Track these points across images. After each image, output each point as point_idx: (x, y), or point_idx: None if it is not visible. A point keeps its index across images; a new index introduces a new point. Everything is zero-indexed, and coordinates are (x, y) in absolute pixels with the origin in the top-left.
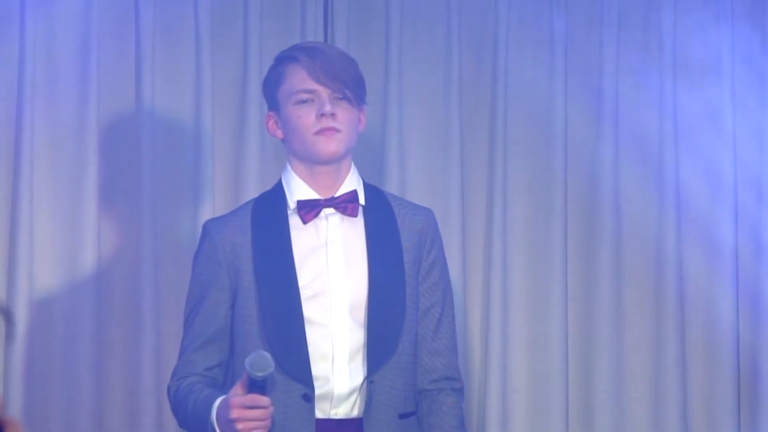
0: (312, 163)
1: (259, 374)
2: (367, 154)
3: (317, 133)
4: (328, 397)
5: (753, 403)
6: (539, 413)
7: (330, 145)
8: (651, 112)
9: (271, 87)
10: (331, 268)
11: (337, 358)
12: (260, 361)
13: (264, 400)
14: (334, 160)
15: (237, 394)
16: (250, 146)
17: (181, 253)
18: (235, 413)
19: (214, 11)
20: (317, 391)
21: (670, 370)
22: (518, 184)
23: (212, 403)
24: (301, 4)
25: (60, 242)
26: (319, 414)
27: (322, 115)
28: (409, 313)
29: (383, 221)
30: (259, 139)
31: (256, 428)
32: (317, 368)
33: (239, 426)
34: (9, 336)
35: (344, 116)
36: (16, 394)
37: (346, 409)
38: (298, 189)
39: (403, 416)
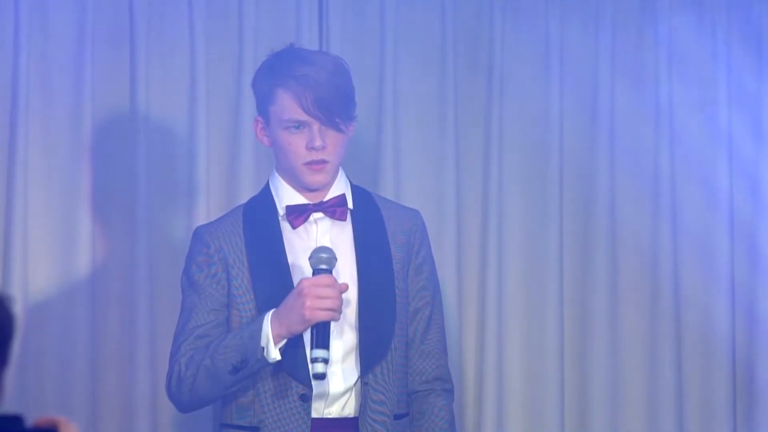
0: (299, 186)
1: (323, 267)
2: (362, 156)
3: (306, 164)
4: (323, 396)
5: (749, 404)
6: (535, 414)
7: (317, 178)
8: (647, 114)
9: (262, 97)
10: None
11: (330, 359)
12: (322, 253)
13: (334, 280)
14: (321, 189)
15: None
16: (244, 150)
17: (176, 257)
18: (306, 286)
19: (209, 15)
20: (313, 391)
21: (665, 371)
22: (513, 187)
23: (262, 317)
24: (296, 7)
25: (54, 245)
26: (313, 413)
27: (312, 148)
28: (399, 314)
29: (371, 224)
30: (254, 144)
31: (324, 306)
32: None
33: (308, 300)
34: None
35: (333, 144)
36: (10, 397)
37: (338, 408)
38: (287, 195)
39: (397, 417)
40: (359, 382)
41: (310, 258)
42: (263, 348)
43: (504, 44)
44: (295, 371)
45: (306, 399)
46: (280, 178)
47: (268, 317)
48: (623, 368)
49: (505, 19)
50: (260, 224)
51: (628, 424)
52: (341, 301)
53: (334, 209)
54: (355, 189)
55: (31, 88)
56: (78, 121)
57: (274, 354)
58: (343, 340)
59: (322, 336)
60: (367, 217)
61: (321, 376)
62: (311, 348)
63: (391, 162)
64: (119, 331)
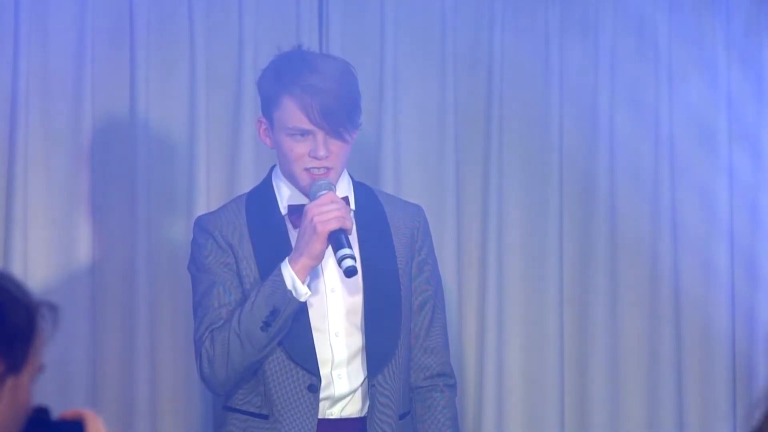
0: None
1: (323, 192)
2: (362, 156)
3: (307, 170)
4: (329, 398)
5: (749, 404)
6: (535, 414)
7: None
8: (646, 116)
9: (267, 100)
10: (325, 273)
11: (336, 362)
12: (321, 182)
13: (334, 196)
14: None
15: None
16: (244, 151)
17: (175, 257)
18: (309, 208)
19: (209, 15)
20: (321, 382)
21: (665, 371)
22: (514, 186)
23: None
24: (296, 7)
25: (54, 246)
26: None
27: (316, 157)
28: (404, 313)
29: (375, 222)
30: (254, 144)
31: (331, 216)
32: None
33: (315, 216)
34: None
35: (337, 152)
36: None
37: (340, 409)
38: (290, 193)
39: (401, 416)
40: (365, 382)
41: (310, 193)
42: (291, 291)
43: (504, 44)
44: (303, 361)
45: (314, 389)
46: (282, 177)
47: (284, 262)
48: (623, 368)
49: (505, 18)
50: (264, 219)
51: (628, 424)
52: (348, 211)
53: None
54: (357, 186)
55: (31, 88)
56: (78, 122)
57: (303, 290)
58: (349, 342)
59: (339, 240)
60: (371, 215)
61: (353, 271)
62: (335, 252)
63: (391, 162)
64: (119, 331)
